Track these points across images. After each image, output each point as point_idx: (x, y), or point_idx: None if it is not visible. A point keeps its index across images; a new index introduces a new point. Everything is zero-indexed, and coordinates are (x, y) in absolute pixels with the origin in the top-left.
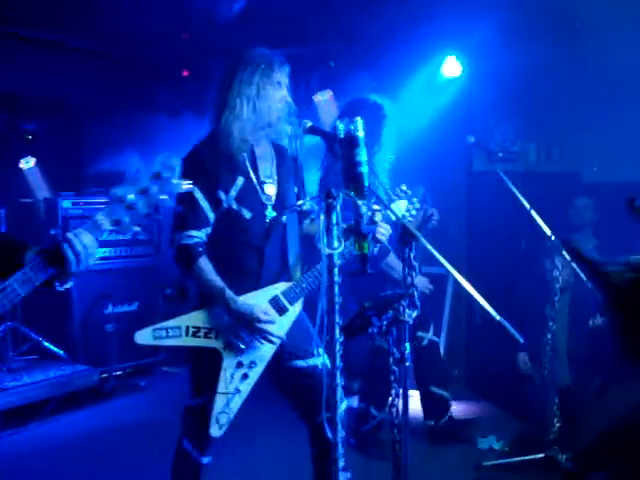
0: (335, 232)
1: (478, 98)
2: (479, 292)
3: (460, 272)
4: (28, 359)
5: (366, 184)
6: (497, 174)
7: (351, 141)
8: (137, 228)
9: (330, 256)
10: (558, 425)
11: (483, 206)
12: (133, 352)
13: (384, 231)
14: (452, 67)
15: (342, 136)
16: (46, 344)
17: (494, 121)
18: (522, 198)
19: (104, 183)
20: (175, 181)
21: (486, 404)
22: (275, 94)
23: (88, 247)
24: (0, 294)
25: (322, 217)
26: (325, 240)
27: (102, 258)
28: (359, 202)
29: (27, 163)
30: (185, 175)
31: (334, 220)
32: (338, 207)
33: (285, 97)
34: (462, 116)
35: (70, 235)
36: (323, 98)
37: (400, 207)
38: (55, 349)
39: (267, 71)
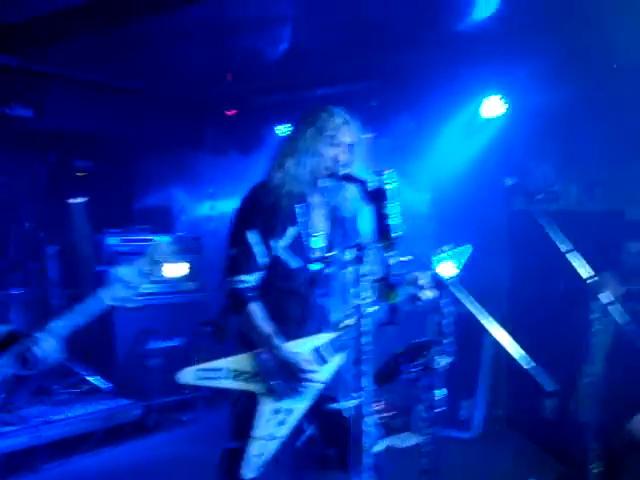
0: (364, 282)
1: (517, 138)
2: (521, 331)
3: (501, 310)
4: (72, 392)
5: (395, 236)
6: (537, 213)
7: (381, 193)
8: (132, 304)
9: (358, 306)
10: (597, 470)
11: (525, 245)
12: (175, 387)
13: (428, 295)
14: (492, 107)
15: (372, 188)
16: (90, 378)
17: (534, 161)
18: (559, 239)
19: (151, 219)
20: (166, 264)
21: (528, 445)
22: (325, 151)
23: (48, 352)
24: None
25: (351, 268)
26: (355, 290)
27: (147, 294)
28: (388, 253)
29: (77, 200)
30: (240, 217)
31: (364, 270)
32: (369, 258)
33: (338, 156)
34: (502, 156)
35: (31, 344)
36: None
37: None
38: (99, 383)
39: (321, 128)
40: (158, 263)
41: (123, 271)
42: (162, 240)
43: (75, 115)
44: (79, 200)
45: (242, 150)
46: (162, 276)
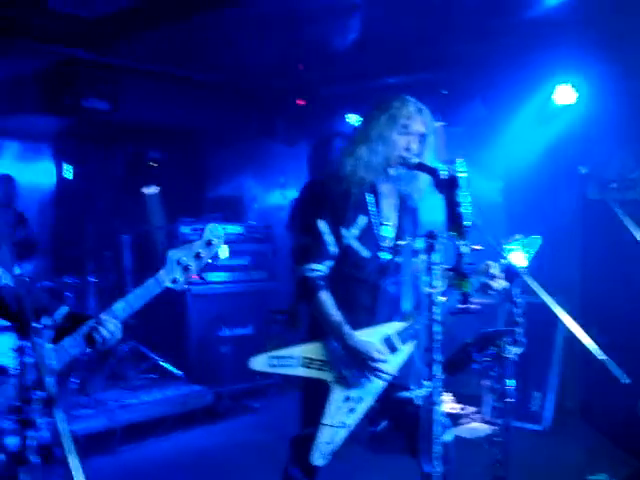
0: (436, 271)
1: (593, 125)
2: (593, 322)
3: (573, 301)
4: (147, 378)
5: (467, 224)
6: (612, 202)
7: (452, 182)
8: (187, 286)
9: (430, 295)
10: None
11: (599, 235)
12: (247, 374)
13: (500, 284)
14: (566, 94)
15: (444, 176)
16: (164, 364)
17: (612, 148)
18: (635, 228)
19: (223, 208)
20: (222, 248)
21: (600, 438)
22: (397, 139)
23: (113, 333)
24: (55, 352)
25: (423, 256)
26: (426, 279)
27: (219, 282)
28: (459, 242)
29: (150, 190)
30: (311, 206)
31: (435, 259)
32: (440, 247)
33: (409, 145)
34: (576, 144)
35: (98, 325)
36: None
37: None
38: (172, 369)
39: (393, 116)
40: (213, 245)
41: (180, 253)
42: (215, 224)
43: (149, 107)
44: (153, 190)
45: (312, 139)
46: (217, 259)
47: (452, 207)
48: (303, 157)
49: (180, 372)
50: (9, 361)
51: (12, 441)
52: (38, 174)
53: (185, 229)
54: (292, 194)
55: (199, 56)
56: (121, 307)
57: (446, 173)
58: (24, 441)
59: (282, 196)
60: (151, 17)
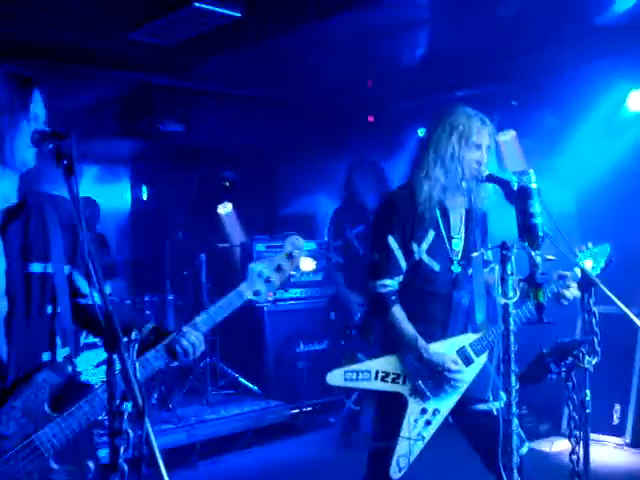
0: (510, 282)
1: None
2: None
3: None
4: (225, 393)
5: (540, 235)
6: None
7: (525, 192)
8: (270, 297)
9: (505, 305)
10: None
11: None
12: (323, 389)
13: (574, 293)
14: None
15: (516, 187)
16: (242, 380)
17: None
18: None
19: (296, 226)
20: (303, 260)
21: None
22: (470, 156)
23: (195, 344)
24: (140, 366)
25: (497, 267)
26: (500, 290)
27: (294, 299)
28: (533, 253)
29: (225, 209)
30: (381, 222)
31: (509, 270)
32: (513, 257)
33: (481, 159)
34: None
35: (180, 337)
36: (505, 138)
37: (586, 266)
38: (250, 385)
39: (465, 133)
40: (294, 257)
41: (261, 266)
42: (295, 235)
43: (222, 128)
44: (227, 209)
45: (383, 155)
46: (299, 270)
47: (524, 218)
48: None
49: (257, 388)
50: (92, 377)
51: (103, 453)
52: (115, 196)
53: (260, 247)
54: None
55: (269, 76)
56: (203, 319)
57: (518, 184)
58: (115, 452)
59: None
60: (223, 41)
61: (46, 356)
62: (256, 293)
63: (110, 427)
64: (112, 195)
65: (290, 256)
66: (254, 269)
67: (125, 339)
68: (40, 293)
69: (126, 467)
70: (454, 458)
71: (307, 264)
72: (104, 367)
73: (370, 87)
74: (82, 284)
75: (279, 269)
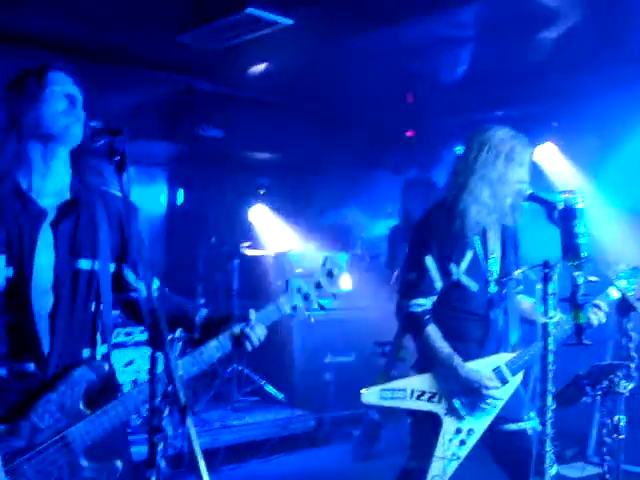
0: (551, 301)
1: None
2: None
3: None
4: (251, 400)
5: (583, 255)
6: None
7: (570, 212)
8: (308, 313)
9: (545, 325)
10: None
11: None
12: (348, 401)
13: (600, 317)
14: None
15: (561, 207)
16: (268, 387)
17: None
18: None
19: (330, 237)
20: (343, 279)
21: None
22: (515, 177)
23: (260, 337)
24: (198, 356)
25: (539, 286)
26: (542, 309)
27: (324, 309)
28: (576, 273)
29: (258, 217)
30: (419, 242)
31: (550, 289)
32: (555, 277)
33: (523, 178)
34: None
35: (248, 330)
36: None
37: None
38: (276, 393)
39: (510, 155)
40: (334, 276)
41: (301, 281)
42: (337, 254)
43: (259, 135)
44: (261, 216)
45: (420, 170)
46: (338, 289)
47: (569, 237)
48: None
49: (283, 396)
50: (121, 376)
51: (143, 449)
52: (151, 199)
53: (293, 256)
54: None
55: (309, 86)
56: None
57: (564, 204)
58: (152, 449)
59: (388, 226)
60: (270, 49)
61: (86, 352)
62: (294, 308)
63: (149, 424)
64: (148, 198)
65: (330, 274)
66: (294, 284)
67: (170, 336)
68: (86, 290)
69: (163, 464)
70: (479, 476)
71: (347, 282)
72: (132, 367)
73: (409, 102)
74: (132, 278)
75: (319, 286)
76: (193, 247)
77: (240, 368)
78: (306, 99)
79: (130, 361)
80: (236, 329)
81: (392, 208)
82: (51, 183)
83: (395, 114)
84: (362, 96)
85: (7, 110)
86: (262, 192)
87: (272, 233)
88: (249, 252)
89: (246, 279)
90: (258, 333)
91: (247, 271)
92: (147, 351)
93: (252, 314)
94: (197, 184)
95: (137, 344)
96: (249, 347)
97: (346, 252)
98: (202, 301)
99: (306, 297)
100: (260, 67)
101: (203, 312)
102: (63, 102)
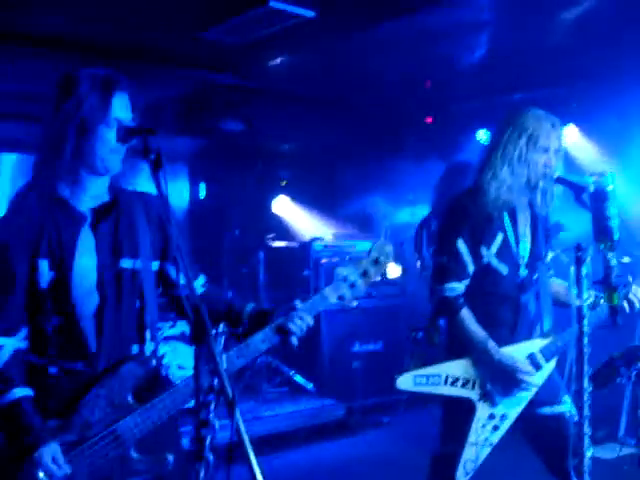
0: (585, 284)
1: None
2: None
3: None
4: (280, 391)
5: (616, 237)
6: None
7: (601, 195)
8: (355, 303)
9: (580, 307)
10: None
11: None
12: (377, 389)
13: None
14: None
15: (592, 190)
16: (297, 378)
17: None
18: None
19: (354, 226)
20: (390, 266)
21: None
22: (538, 159)
23: (304, 328)
24: (245, 348)
25: (572, 269)
26: (575, 291)
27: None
28: (609, 255)
29: (282, 208)
30: (450, 226)
31: (584, 272)
32: (588, 259)
33: (549, 162)
34: None
35: (293, 321)
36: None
37: None
38: (305, 383)
39: (534, 136)
40: (380, 264)
41: (347, 270)
42: (383, 241)
43: (280, 127)
44: (285, 208)
45: (441, 156)
46: (385, 277)
47: (600, 220)
48: (432, 174)
49: (312, 386)
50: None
51: (187, 442)
52: (174, 193)
53: (318, 246)
54: (421, 211)
55: (328, 76)
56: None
57: (594, 186)
58: (200, 443)
59: (411, 213)
60: (292, 42)
61: (135, 348)
62: (340, 298)
63: (196, 418)
64: (170, 192)
65: (377, 262)
66: (340, 273)
67: (214, 331)
68: (130, 288)
69: (211, 457)
70: (511, 460)
71: (394, 270)
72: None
73: (428, 87)
74: (175, 275)
75: (365, 274)
76: (217, 241)
77: (269, 359)
78: (325, 89)
79: (161, 356)
80: (282, 320)
81: (414, 195)
82: (90, 190)
83: (415, 100)
84: (382, 83)
85: (69, 112)
86: (284, 183)
87: (296, 224)
88: (274, 243)
89: (272, 270)
90: (304, 323)
91: (272, 262)
92: (177, 345)
93: (298, 304)
94: (219, 178)
95: (167, 339)
96: (295, 339)
97: (370, 240)
98: (229, 294)
99: (352, 286)
100: (279, 59)
101: (249, 306)
102: (116, 135)
